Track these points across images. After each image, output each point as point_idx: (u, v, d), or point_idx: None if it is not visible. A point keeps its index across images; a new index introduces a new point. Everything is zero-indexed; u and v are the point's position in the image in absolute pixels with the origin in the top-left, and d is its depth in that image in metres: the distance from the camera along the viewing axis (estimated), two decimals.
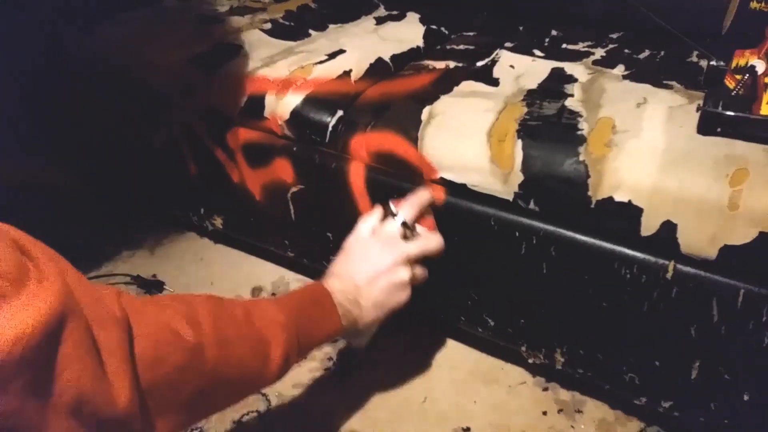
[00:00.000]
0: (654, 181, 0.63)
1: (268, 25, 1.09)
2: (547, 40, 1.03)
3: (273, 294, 1.07)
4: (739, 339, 0.65)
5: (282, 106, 0.88)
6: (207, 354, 0.53)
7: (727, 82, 0.68)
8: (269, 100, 0.89)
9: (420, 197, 0.75)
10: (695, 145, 0.65)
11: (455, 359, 0.93)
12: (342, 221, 0.89)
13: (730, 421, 0.71)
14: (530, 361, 0.84)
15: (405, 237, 0.74)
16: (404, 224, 0.74)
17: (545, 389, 0.88)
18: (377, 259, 0.71)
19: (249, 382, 0.60)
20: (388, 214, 0.75)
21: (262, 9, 1.18)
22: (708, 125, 0.65)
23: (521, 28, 1.10)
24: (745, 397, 0.68)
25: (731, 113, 0.63)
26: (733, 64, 0.70)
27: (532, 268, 0.75)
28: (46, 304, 0.37)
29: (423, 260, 0.75)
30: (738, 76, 0.66)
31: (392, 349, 0.95)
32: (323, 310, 0.68)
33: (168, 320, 0.52)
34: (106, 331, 0.44)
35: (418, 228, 0.75)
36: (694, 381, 0.71)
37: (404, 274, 0.72)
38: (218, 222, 1.08)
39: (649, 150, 0.65)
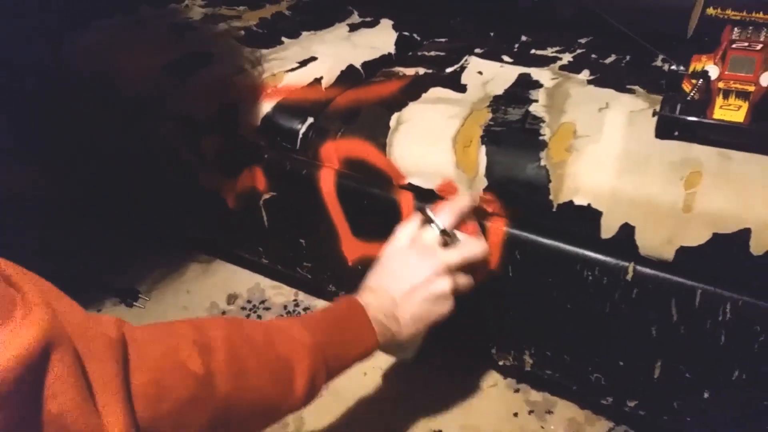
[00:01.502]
0: (612, 184, 0.64)
1: (242, 33, 1.09)
2: (516, 45, 1.04)
3: (249, 301, 1.07)
4: (697, 338, 0.66)
5: (253, 113, 0.88)
6: (218, 385, 0.50)
7: (684, 87, 0.70)
8: (241, 107, 0.89)
9: (459, 202, 0.71)
10: (653, 148, 0.66)
11: (426, 361, 0.94)
12: (314, 228, 0.90)
13: (692, 419, 0.72)
14: (500, 363, 0.86)
15: (445, 245, 0.69)
16: (443, 231, 0.69)
17: (516, 391, 0.90)
18: (415, 271, 0.67)
19: (271, 410, 0.56)
20: (426, 221, 0.71)
21: (236, 17, 1.19)
22: (665, 129, 0.67)
23: (492, 33, 1.11)
24: (706, 395, 0.70)
25: (685, 118, 0.64)
26: (691, 69, 0.71)
27: (498, 272, 0.76)
28: (29, 336, 0.36)
29: (469, 267, 0.70)
30: (694, 81, 0.68)
31: None
32: (357, 326, 0.63)
33: (174, 349, 0.49)
34: (99, 363, 0.42)
35: (459, 234, 0.70)
36: (657, 380, 0.72)
37: (444, 284, 0.67)
38: (193, 229, 1.08)
39: (607, 154, 0.66)
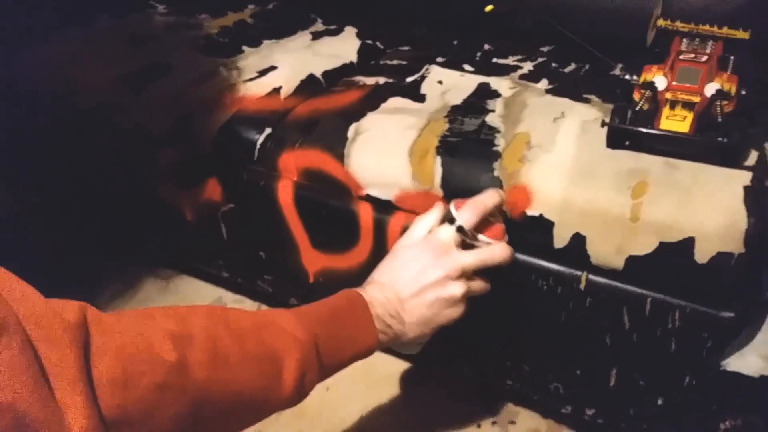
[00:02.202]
0: (563, 194, 0.65)
1: (203, 42, 1.08)
2: (479, 54, 1.04)
3: None
4: (649, 346, 0.67)
5: (209, 124, 0.87)
6: (194, 374, 0.47)
7: (635, 97, 0.71)
8: (197, 118, 0.88)
9: (486, 199, 0.65)
10: (603, 158, 0.67)
11: (391, 375, 0.94)
12: (273, 240, 0.89)
13: (647, 426, 0.73)
14: (461, 372, 0.86)
15: (463, 245, 0.65)
16: (461, 230, 0.64)
17: (478, 401, 0.89)
18: (426, 270, 0.62)
19: (255, 404, 0.53)
20: (446, 217, 0.66)
21: (198, 26, 1.18)
22: (615, 139, 0.67)
23: (455, 42, 1.12)
24: (660, 402, 0.70)
25: (632, 128, 0.65)
26: (642, 79, 0.72)
27: None
28: None
29: (488, 271, 0.66)
30: (642, 91, 0.68)
31: None
32: (357, 322, 0.59)
33: (145, 336, 0.46)
34: (54, 348, 0.39)
35: (481, 236, 0.66)
36: (613, 388, 0.72)
37: (456, 289, 0.62)
38: (153, 243, 1.06)
39: (559, 164, 0.67)
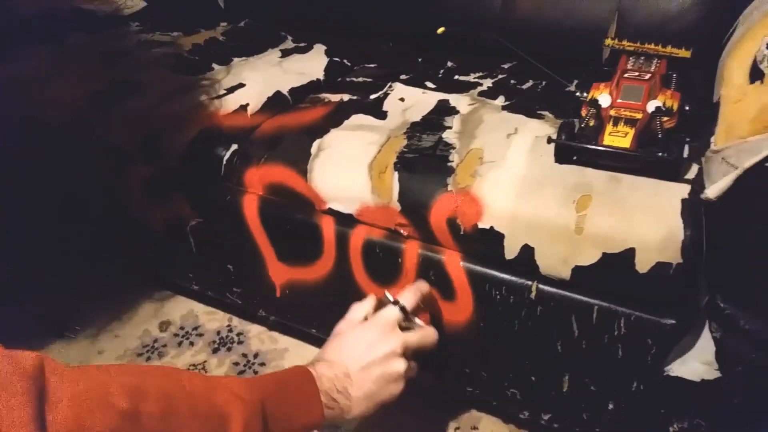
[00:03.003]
0: (512, 208, 0.67)
1: (173, 60, 1.10)
2: (442, 71, 1.07)
3: (181, 327, 1.07)
4: (598, 352, 0.70)
5: (177, 141, 0.89)
6: (145, 424, 0.48)
7: (582, 113, 0.74)
8: (165, 135, 0.90)
9: (420, 287, 0.73)
10: (551, 173, 0.70)
11: None
12: (241, 253, 0.91)
13: (600, 429, 0.75)
14: (423, 381, 0.87)
15: (402, 327, 0.69)
16: (404, 310, 0.69)
17: (442, 408, 0.92)
18: (373, 346, 0.66)
19: None
20: (384, 302, 0.71)
21: (169, 43, 1.20)
22: (562, 155, 0.70)
23: (420, 59, 1.15)
24: (610, 406, 0.73)
25: (574, 144, 0.68)
26: (590, 97, 0.75)
27: None
28: None
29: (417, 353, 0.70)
30: (588, 108, 0.72)
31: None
32: (304, 396, 0.61)
33: (100, 386, 0.48)
34: (9, 395, 0.41)
35: (416, 320, 0.72)
36: (566, 393, 0.75)
37: (400, 365, 0.66)
38: (124, 256, 1.08)
39: (509, 179, 0.70)
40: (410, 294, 0.71)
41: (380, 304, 0.72)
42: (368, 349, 0.66)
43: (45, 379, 0.45)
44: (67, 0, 1.34)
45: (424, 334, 0.70)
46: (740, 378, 0.64)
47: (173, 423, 0.51)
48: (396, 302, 0.70)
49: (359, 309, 0.72)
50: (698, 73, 0.86)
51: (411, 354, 0.69)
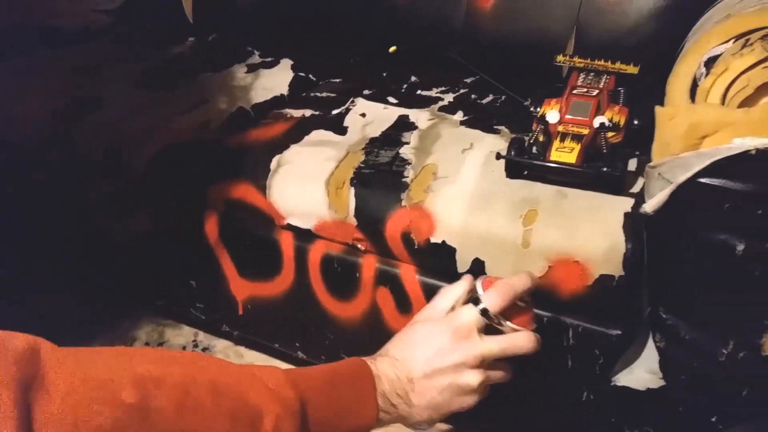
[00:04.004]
0: (463, 222, 0.69)
1: (139, 75, 1.11)
2: (405, 86, 1.09)
3: (146, 343, 1.07)
4: (549, 363, 0.71)
5: (140, 157, 0.90)
6: (156, 419, 0.44)
7: (533, 129, 0.76)
8: (127, 151, 0.91)
9: (516, 282, 0.60)
10: (501, 188, 0.71)
11: None
12: (202, 269, 0.91)
13: None
14: None
15: (487, 330, 0.59)
16: (485, 313, 0.59)
17: None
18: (444, 353, 0.57)
19: None
20: (472, 294, 0.61)
21: (137, 59, 1.20)
22: (513, 170, 0.72)
23: (384, 74, 1.16)
24: (563, 416, 0.74)
25: (521, 160, 0.70)
26: (540, 112, 0.77)
27: (373, 307, 0.79)
28: None
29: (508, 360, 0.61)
30: (538, 124, 0.74)
31: None
32: (357, 394, 0.55)
33: (106, 375, 0.44)
34: None
35: (506, 323, 0.60)
36: (521, 404, 0.76)
37: (473, 378, 0.57)
38: (88, 272, 1.07)
39: (460, 194, 0.71)
40: (498, 293, 0.59)
41: (470, 294, 0.62)
42: (437, 354, 0.57)
43: (40, 364, 0.41)
44: (33, 14, 1.33)
45: (512, 341, 0.59)
46: (684, 386, 0.65)
47: (190, 420, 0.46)
48: (477, 300, 0.59)
49: (448, 294, 0.62)
50: (652, 87, 0.88)
51: (494, 362, 0.60)
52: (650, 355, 0.66)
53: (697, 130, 0.54)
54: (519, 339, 0.59)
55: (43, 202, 1.06)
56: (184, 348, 1.06)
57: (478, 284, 0.61)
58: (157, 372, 0.46)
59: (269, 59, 1.22)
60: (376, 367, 0.57)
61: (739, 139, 0.51)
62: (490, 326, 0.59)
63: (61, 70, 1.13)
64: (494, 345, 0.59)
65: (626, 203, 0.67)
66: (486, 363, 0.59)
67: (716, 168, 0.53)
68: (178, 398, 0.46)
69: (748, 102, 0.55)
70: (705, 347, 0.62)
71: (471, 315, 0.59)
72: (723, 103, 0.57)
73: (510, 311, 0.60)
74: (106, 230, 1.00)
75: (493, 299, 0.59)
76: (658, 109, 0.58)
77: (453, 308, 0.61)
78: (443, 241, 0.70)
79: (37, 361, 0.41)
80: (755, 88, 0.54)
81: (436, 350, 0.58)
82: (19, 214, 1.10)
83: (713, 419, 0.66)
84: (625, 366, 0.68)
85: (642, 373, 0.67)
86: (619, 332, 0.66)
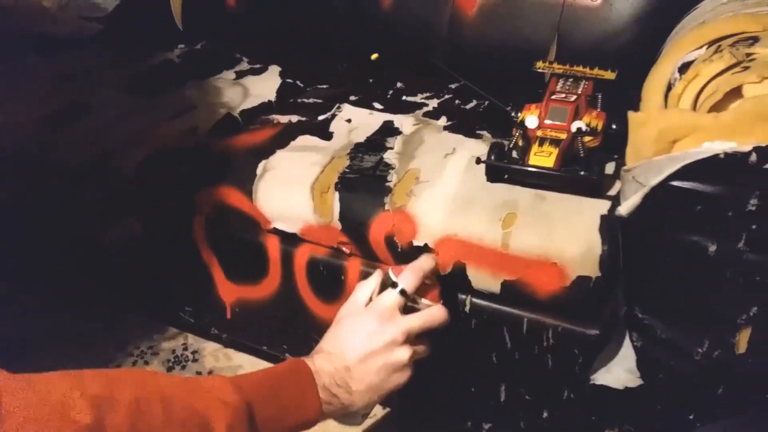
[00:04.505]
0: (444, 226, 0.70)
1: (127, 81, 1.12)
2: (390, 92, 1.10)
3: (137, 347, 1.07)
4: (529, 363, 0.72)
5: (128, 162, 0.91)
6: None
7: (513, 134, 0.77)
8: (117, 157, 0.92)
9: (422, 264, 0.68)
10: (481, 192, 0.73)
11: None
12: (191, 272, 0.92)
13: None
14: None
15: (405, 309, 0.66)
16: (404, 293, 0.65)
17: (392, 422, 0.93)
18: (372, 336, 0.63)
19: None
20: (386, 282, 0.68)
21: (125, 65, 1.21)
22: (493, 174, 0.74)
23: (371, 80, 1.17)
24: (545, 415, 0.76)
25: (500, 164, 0.71)
26: (520, 117, 0.79)
27: None
28: None
29: (427, 334, 0.68)
30: (517, 129, 0.75)
31: None
32: (299, 392, 0.59)
33: (61, 397, 0.45)
34: None
35: (421, 300, 0.68)
36: (504, 403, 0.78)
37: (403, 354, 0.63)
38: (78, 277, 1.08)
39: (441, 198, 0.73)
40: (411, 274, 0.66)
41: (384, 283, 0.68)
42: (367, 339, 0.63)
43: None
44: (23, 21, 1.34)
45: (429, 315, 0.66)
46: (661, 385, 0.67)
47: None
48: (395, 284, 0.66)
49: (364, 288, 0.68)
50: (629, 92, 0.90)
51: (416, 338, 0.65)
52: (628, 355, 0.68)
53: (668, 135, 0.55)
54: (434, 312, 0.67)
55: (31, 208, 1.06)
56: (173, 351, 1.07)
57: (391, 273, 0.67)
58: (108, 391, 0.48)
59: (257, 66, 1.23)
60: (314, 364, 0.61)
61: (708, 143, 0.53)
62: (408, 307, 0.66)
63: (49, 77, 1.14)
64: (415, 320, 0.65)
65: (603, 206, 0.68)
66: (411, 339, 0.65)
67: (687, 171, 0.54)
68: (132, 414, 0.48)
69: (717, 107, 0.56)
70: (681, 346, 0.64)
71: (391, 297, 0.65)
72: (694, 108, 0.59)
73: (421, 290, 0.68)
74: (94, 236, 1.01)
75: (408, 280, 0.66)
76: (630, 114, 0.60)
77: (371, 299, 0.67)
78: (425, 244, 0.71)
79: None
80: (724, 94, 0.55)
81: (366, 335, 0.63)
82: (6, 220, 1.11)
83: (691, 417, 0.68)
84: (603, 365, 0.69)
85: (620, 372, 0.69)
86: (597, 332, 0.68)
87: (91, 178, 0.95)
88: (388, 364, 0.63)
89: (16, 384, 0.45)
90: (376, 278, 0.69)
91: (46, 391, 0.46)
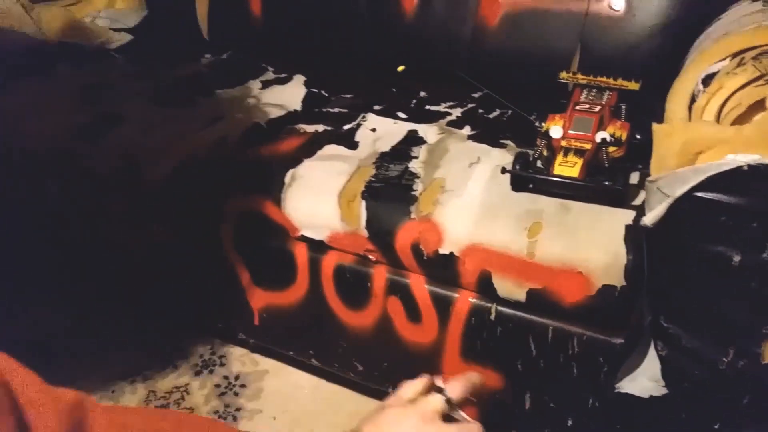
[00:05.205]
0: (470, 234, 0.72)
1: (157, 92, 1.15)
2: (414, 101, 1.12)
3: (165, 351, 1.10)
4: (555, 371, 0.73)
5: (158, 172, 0.93)
6: None
7: (537, 144, 0.79)
8: (147, 166, 0.94)
9: (470, 378, 0.69)
10: (507, 201, 0.74)
11: (336, 403, 0.99)
12: (219, 278, 0.95)
13: None
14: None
15: (445, 418, 0.66)
16: (449, 402, 0.66)
17: None
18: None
19: None
20: (432, 387, 0.68)
21: (154, 76, 1.24)
22: (518, 183, 0.75)
23: (394, 89, 1.19)
24: (569, 423, 0.76)
25: (526, 174, 0.73)
26: (545, 128, 0.80)
27: (383, 315, 0.82)
28: None
29: None
30: (541, 139, 0.76)
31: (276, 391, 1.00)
32: None
33: (141, 426, 0.50)
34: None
35: (461, 413, 0.68)
36: (528, 411, 0.78)
37: None
38: (105, 283, 1.11)
39: (467, 207, 0.74)
40: (459, 385, 0.68)
41: (430, 388, 0.68)
42: None
43: (84, 415, 0.46)
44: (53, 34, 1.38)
45: (467, 428, 0.66)
46: (686, 394, 0.67)
47: None
48: (442, 390, 0.67)
49: (410, 388, 0.68)
50: (653, 102, 0.90)
51: None
52: (652, 364, 0.68)
53: (692, 147, 0.56)
54: (472, 428, 0.65)
55: (61, 215, 1.10)
56: (201, 355, 1.09)
57: (438, 380, 0.68)
58: (171, 429, 0.52)
59: (283, 75, 1.25)
60: None
61: (732, 155, 0.54)
62: (447, 416, 0.66)
63: (80, 87, 1.17)
64: (454, 429, 0.64)
65: (628, 216, 0.69)
66: None
67: (711, 182, 0.55)
68: None
69: (741, 119, 0.57)
70: (705, 355, 0.64)
71: (437, 401, 0.65)
72: (717, 120, 0.60)
73: (463, 404, 0.67)
74: (124, 243, 1.03)
75: (456, 389, 0.66)
76: (655, 126, 0.61)
77: (415, 398, 0.66)
78: (451, 252, 0.72)
79: (81, 413, 0.46)
80: (747, 107, 0.56)
81: (404, 430, 0.63)
82: (38, 226, 1.14)
83: (716, 426, 0.68)
84: (628, 374, 0.70)
85: (645, 381, 0.69)
86: (622, 341, 0.68)
87: (120, 187, 0.98)
88: None
89: (100, 411, 0.48)
90: (423, 381, 0.68)
91: (124, 417, 0.50)
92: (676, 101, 0.71)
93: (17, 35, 1.31)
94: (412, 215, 0.76)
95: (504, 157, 0.85)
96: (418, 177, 0.81)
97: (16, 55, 1.29)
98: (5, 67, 1.23)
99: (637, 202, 0.72)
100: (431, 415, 0.63)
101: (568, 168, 0.71)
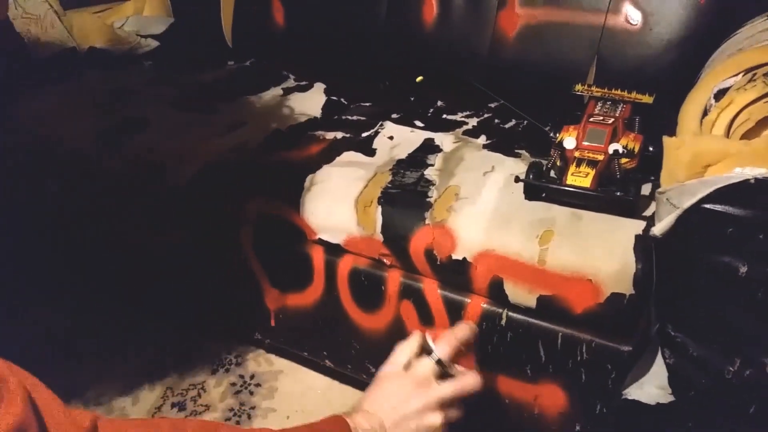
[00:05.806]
0: (482, 241, 0.74)
1: (180, 98, 1.18)
2: (431, 110, 1.14)
3: (182, 350, 1.13)
4: (564, 376, 0.75)
5: (181, 175, 0.97)
6: None
7: (551, 154, 0.80)
8: (169, 170, 0.98)
9: (459, 332, 0.72)
10: (519, 209, 0.76)
11: (348, 404, 1.01)
12: (237, 280, 0.97)
13: None
14: None
15: (440, 376, 0.69)
16: (440, 362, 0.69)
17: None
18: (407, 401, 0.66)
19: None
20: (424, 347, 0.71)
21: (178, 82, 1.28)
22: (531, 192, 0.77)
23: (412, 98, 1.22)
24: (577, 428, 0.78)
25: (539, 183, 0.74)
26: (559, 138, 0.82)
27: (396, 318, 0.84)
28: (4, 423, 0.40)
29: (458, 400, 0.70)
30: (555, 150, 0.78)
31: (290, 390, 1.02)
32: None
33: None
34: None
35: (455, 366, 0.72)
36: (537, 415, 0.80)
37: (436, 419, 0.67)
38: (124, 285, 1.14)
39: (480, 214, 0.76)
40: (446, 343, 0.71)
41: (422, 348, 0.72)
42: (403, 402, 0.66)
43: None
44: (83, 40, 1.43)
45: (462, 383, 0.70)
46: (692, 402, 0.68)
47: None
48: (431, 351, 0.70)
49: (403, 351, 0.71)
50: (667, 115, 0.92)
51: (449, 403, 0.69)
52: (660, 371, 0.69)
53: (701, 160, 0.58)
54: (467, 380, 0.70)
55: (85, 217, 1.13)
56: (217, 355, 1.12)
57: (428, 338, 0.71)
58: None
59: (303, 83, 1.29)
60: (353, 421, 0.64)
61: (739, 169, 0.55)
62: (443, 372, 0.69)
63: (107, 92, 1.21)
64: (449, 388, 0.69)
65: (638, 226, 0.71)
66: (444, 404, 0.68)
67: (719, 195, 0.56)
68: None
69: (750, 134, 0.58)
70: (712, 364, 0.65)
71: (428, 366, 0.69)
72: (727, 134, 0.61)
73: (456, 357, 0.71)
74: (145, 244, 1.07)
75: (443, 349, 0.70)
76: (665, 139, 0.63)
77: (409, 361, 0.70)
78: (464, 258, 0.74)
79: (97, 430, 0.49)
80: (756, 122, 0.57)
81: (402, 399, 0.67)
82: (61, 229, 1.18)
83: None
84: (635, 381, 0.71)
85: (652, 388, 0.70)
86: (630, 348, 0.70)
87: (144, 189, 1.01)
88: (421, 427, 0.66)
89: (117, 426, 0.52)
90: (415, 340, 0.72)
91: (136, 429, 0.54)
92: (689, 115, 0.72)
93: (49, 41, 1.36)
94: (427, 221, 0.78)
95: (518, 166, 0.87)
96: (433, 184, 0.84)
97: (47, 60, 1.33)
98: (37, 72, 1.28)
99: (648, 212, 0.73)
100: (425, 380, 0.68)
101: (580, 178, 0.73)
